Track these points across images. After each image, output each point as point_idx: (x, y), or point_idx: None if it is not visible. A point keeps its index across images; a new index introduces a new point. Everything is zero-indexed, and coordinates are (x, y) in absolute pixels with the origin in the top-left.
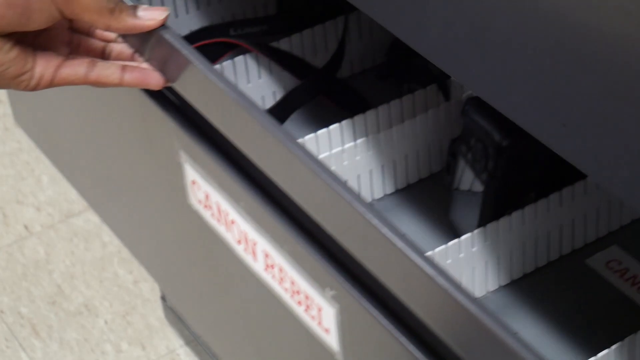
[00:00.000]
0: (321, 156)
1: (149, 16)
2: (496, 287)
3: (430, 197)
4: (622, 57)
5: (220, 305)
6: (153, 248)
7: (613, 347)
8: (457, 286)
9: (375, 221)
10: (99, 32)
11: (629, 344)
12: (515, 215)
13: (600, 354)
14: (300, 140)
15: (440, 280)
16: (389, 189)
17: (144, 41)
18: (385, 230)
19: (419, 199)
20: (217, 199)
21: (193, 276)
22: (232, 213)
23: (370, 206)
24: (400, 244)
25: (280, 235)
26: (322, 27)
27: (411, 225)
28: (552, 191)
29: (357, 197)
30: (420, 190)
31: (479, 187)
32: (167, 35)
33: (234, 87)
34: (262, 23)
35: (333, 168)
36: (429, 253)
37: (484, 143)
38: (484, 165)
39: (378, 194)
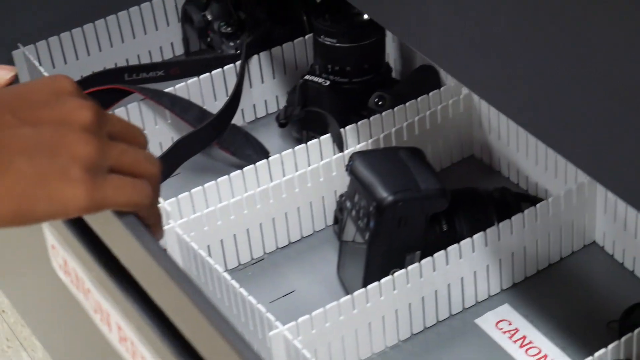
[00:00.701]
0: (206, 211)
1: None
2: (382, 348)
3: (323, 250)
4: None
5: None
6: (35, 308)
7: None
8: None
9: (202, 308)
10: None
11: None
12: (399, 275)
13: None
14: (184, 195)
15: None
16: (282, 242)
17: None
18: (215, 323)
19: (312, 252)
20: (74, 265)
21: (67, 340)
22: (87, 282)
23: (198, 292)
24: (229, 334)
25: (128, 310)
26: (221, 72)
27: (302, 280)
28: (439, 249)
29: (188, 280)
30: (313, 243)
31: (363, 244)
32: None
33: None
34: (157, 68)
35: (219, 222)
36: (304, 318)
37: (366, 200)
38: (367, 223)
39: (270, 247)
